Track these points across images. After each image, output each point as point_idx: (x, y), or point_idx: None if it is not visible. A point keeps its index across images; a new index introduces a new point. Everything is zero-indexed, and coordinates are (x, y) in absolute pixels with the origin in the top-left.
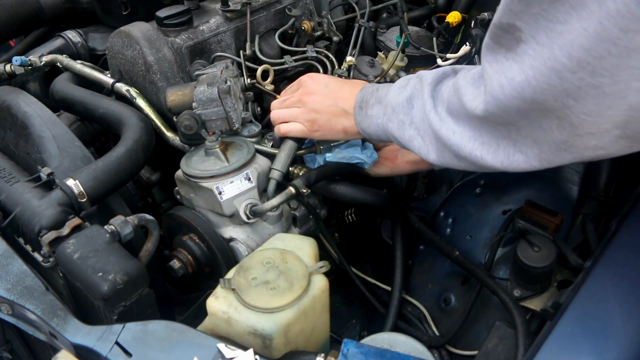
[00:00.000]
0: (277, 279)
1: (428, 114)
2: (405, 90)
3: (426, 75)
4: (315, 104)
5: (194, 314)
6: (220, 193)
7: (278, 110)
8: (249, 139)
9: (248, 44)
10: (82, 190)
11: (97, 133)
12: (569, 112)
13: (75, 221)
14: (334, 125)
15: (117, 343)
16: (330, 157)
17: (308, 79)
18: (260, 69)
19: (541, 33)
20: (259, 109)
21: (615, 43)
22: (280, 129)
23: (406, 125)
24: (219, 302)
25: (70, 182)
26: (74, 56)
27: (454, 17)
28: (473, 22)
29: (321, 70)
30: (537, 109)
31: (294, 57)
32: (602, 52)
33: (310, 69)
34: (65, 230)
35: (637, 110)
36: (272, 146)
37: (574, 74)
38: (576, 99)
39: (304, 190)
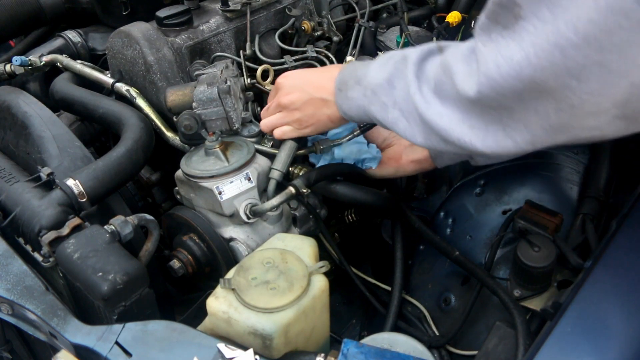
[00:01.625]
0: (277, 279)
1: (413, 96)
2: (385, 70)
3: (410, 54)
4: (294, 102)
5: (194, 314)
6: (220, 193)
7: (265, 119)
8: (249, 139)
9: (248, 44)
10: (82, 190)
11: (97, 133)
12: (569, 93)
13: (75, 221)
14: (320, 117)
15: (117, 343)
16: (339, 151)
17: (282, 79)
18: (260, 69)
19: (543, 9)
20: (259, 108)
21: (627, 15)
22: (275, 136)
23: (389, 108)
24: (219, 302)
25: (70, 182)
26: (74, 56)
27: (454, 17)
28: (473, 22)
29: None
30: (535, 91)
31: (294, 57)
32: (612, 25)
33: None
34: (65, 230)
35: (638, 87)
36: (272, 146)
37: (579, 50)
38: (579, 78)
39: (304, 190)
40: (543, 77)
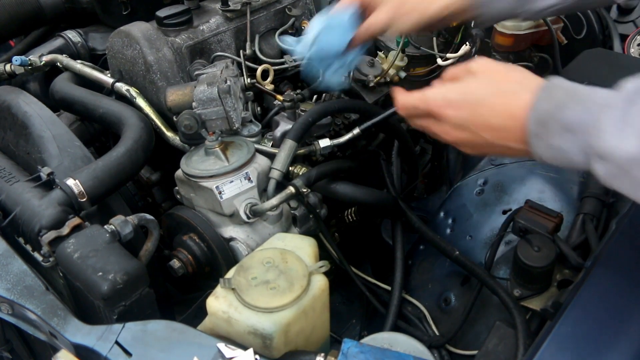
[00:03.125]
0: (277, 279)
1: None
2: (634, 135)
3: None
4: (460, 144)
5: (194, 314)
6: (220, 193)
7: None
8: (248, 139)
9: (248, 43)
10: (82, 190)
11: (97, 133)
12: None
13: (75, 221)
14: (497, 152)
15: (117, 343)
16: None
17: (445, 110)
18: (260, 69)
19: None
20: (258, 108)
21: None
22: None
23: None
24: (219, 302)
25: (70, 182)
26: (74, 56)
27: None
28: (472, 22)
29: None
30: None
31: (293, 57)
32: None
33: None
34: (65, 230)
35: None
36: (272, 146)
37: None
38: None
39: (304, 190)
40: None
